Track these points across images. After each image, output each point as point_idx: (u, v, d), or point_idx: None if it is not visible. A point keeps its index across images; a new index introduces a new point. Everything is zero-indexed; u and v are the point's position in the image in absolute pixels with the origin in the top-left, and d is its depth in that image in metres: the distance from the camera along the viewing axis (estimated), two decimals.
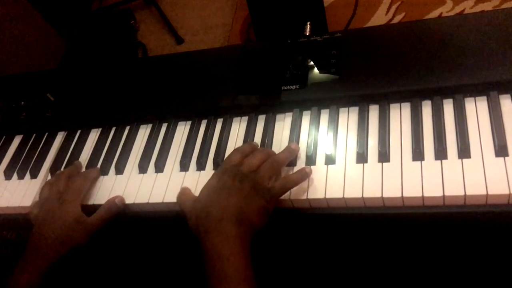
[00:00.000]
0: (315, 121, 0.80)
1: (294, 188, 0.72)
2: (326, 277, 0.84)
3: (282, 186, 0.71)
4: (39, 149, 0.95)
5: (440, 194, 0.65)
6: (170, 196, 0.79)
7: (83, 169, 0.88)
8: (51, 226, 0.77)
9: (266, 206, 0.69)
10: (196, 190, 0.77)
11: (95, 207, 0.81)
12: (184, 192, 0.76)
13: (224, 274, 0.63)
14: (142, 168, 0.85)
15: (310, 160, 0.75)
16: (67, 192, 0.80)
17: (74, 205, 0.79)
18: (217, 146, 0.83)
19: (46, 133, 0.98)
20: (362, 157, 0.72)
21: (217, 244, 0.65)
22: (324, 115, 0.81)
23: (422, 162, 0.69)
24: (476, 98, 0.74)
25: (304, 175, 0.72)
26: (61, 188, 0.81)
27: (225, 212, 0.67)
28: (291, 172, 0.75)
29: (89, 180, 0.84)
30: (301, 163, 0.76)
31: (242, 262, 0.64)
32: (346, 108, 0.80)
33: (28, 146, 0.97)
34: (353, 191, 0.69)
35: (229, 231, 0.66)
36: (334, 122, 0.79)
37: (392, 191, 0.67)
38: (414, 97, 0.76)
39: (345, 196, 0.69)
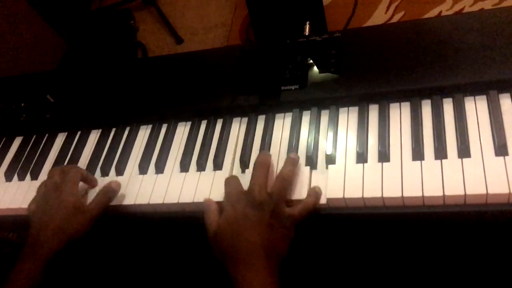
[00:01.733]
0: (315, 121, 0.80)
1: (294, 188, 0.73)
2: (326, 277, 0.84)
3: (301, 212, 0.70)
4: (39, 151, 0.95)
5: (440, 193, 0.65)
6: (171, 197, 0.79)
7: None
8: (51, 216, 0.76)
9: (289, 234, 0.69)
10: (197, 191, 0.77)
11: None
12: (211, 211, 0.73)
13: None
14: (143, 169, 0.85)
15: (310, 160, 0.75)
16: (63, 183, 0.79)
17: (72, 193, 0.78)
18: (217, 146, 0.83)
19: (46, 135, 0.98)
20: (362, 157, 0.72)
21: (247, 277, 0.65)
22: (324, 115, 0.81)
23: (422, 161, 0.69)
24: (476, 97, 0.74)
25: (319, 195, 0.71)
26: (57, 180, 0.80)
27: (254, 247, 0.67)
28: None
29: (83, 172, 0.83)
30: (301, 164, 0.76)
31: None
32: (346, 108, 0.80)
33: (29, 148, 0.97)
34: (353, 191, 0.69)
35: (259, 265, 0.65)
36: (334, 122, 0.79)
37: (392, 191, 0.67)
38: (413, 96, 0.76)
39: (345, 196, 0.69)
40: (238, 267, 0.66)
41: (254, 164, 0.74)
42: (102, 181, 0.86)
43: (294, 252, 0.86)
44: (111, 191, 0.80)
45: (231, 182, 0.74)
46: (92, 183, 0.85)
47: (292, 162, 0.74)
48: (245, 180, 0.74)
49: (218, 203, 0.74)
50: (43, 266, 0.72)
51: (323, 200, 0.71)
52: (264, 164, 0.74)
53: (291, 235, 0.69)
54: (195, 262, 0.70)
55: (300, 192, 0.72)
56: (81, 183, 0.82)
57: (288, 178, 0.72)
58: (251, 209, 0.69)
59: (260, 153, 0.77)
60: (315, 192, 0.71)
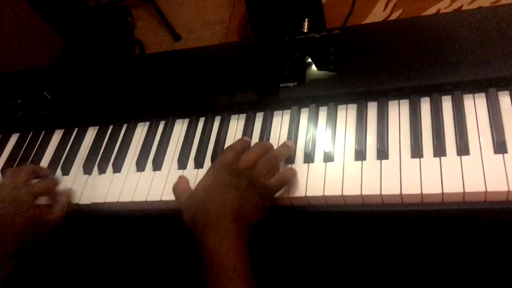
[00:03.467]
0: (313, 118, 0.80)
1: (293, 186, 0.72)
2: (324, 275, 0.84)
3: (278, 182, 0.71)
4: (36, 148, 0.95)
5: (439, 191, 0.65)
6: (168, 194, 0.78)
7: (80, 169, 0.87)
8: (9, 230, 0.72)
9: (263, 202, 0.70)
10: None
11: (92, 206, 0.81)
12: (180, 182, 0.76)
13: (222, 269, 0.64)
14: (140, 166, 0.84)
15: (308, 157, 0.75)
16: (16, 191, 0.75)
17: (27, 204, 0.74)
18: (215, 144, 0.83)
19: (43, 132, 0.97)
20: (360, 155, 0.72)
21: (215, 239, 0.66)
22: (322, 112, 0.80)
23: (421, 159, 0.69)
24: (475, 94, 0.73)
25: (295, 172, 0.73)
26: (8, 188, 0.76)
27: (223, 208, 0.67)
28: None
29: (33, 169, 0.81)
30: (299, 161, 0.76)
31: (240, 257, 0.65)
32: (345, 105, 0.80)
33: (25, 145, 0.96)
34: (351, 189, 0.69)
35: (227, 227, 0.66)
36: (332, 119, 0.78)
37: (390, 189, 0.67)
38: (412, 94, 0.76)
39: (344, 193, 0.69)
40: (206, 229, 0.67)
41: (255, 143, 0.76)
42: (99, 178, 0.85)
43: (292, 250, 0.86)
44: (70, 194, 0.78)
45: (226, 153, 0.74)
46: (42, 174, 0.83)
47: (286, 148, 0.75)
48: None
49: None
50: (6, 272, 0.71)
51: (321, 199, 0.71)
52: (263, 146, 0.75)
53: (265, 204, 0.70)
54: (193, 259, 0.69)
55: (298, 189, 0.72)
56: None
57: (275, 158, 0.73)
58: (229, 176, 0.70)
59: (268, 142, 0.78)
60: (294, 169, 0.73)
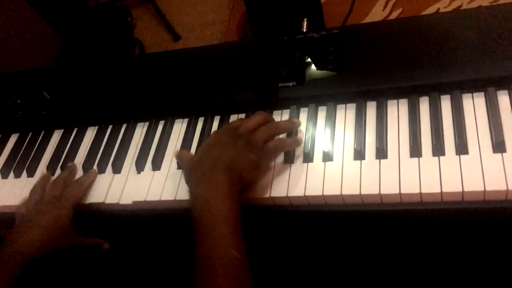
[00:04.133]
0: (313, 118, 0.80)
1: (292, 185, 0.72)
2: (324, 275, 0.84)
3: (275, 146, 0.73)
4: (35, 148, 0.95)
5: (438, 190, 0.65)
6: (168, 194, 0.78)
7: (79, 169, 0.88)
8: (38, 225, 0.76)
9: (258, 161, 0.71)
10: None
11: (92, 206, 0.81)
12: (182, 151, 0.80)
13: (211, 218, 0.65)
14: (139, 166, 0.84)
15: (308, 157, 0.75)
16: (62, 200, 0.80)
17: (68, 213, 0.79)
18: None
19: (43, 132, 0.97)
20: (359, 154, 0.72)
21: (206, 189, 0.67)
22: (322, 112, 0.80)
23: (420, 158, 0.69)
24: (474, 94, 0.73)
25: (298, 141, 0.75)
26: (58, 193, 0.81)
27: (217, 162, 0.69)
28: (288, 169, 0.74)
29: (85, 187, 0.83)
30: (298, 160, 0.76)
31: (229, 206, 0.66)
32: (344, 105, 0.80)
33: (25, 145, 0.96)
34: (350, 188, 0.69)
35: (219, 178, 0.68)
36: (331, 118, 0.78)
37: (389, 188, 0.67)
38: (411, 93, 0.76)
39: (343, 193, 0.69)
40: (199, 181, 0.69)
41: (258, 112, 0.77)
42: (98, 178, 0.85)
43: (290, 250, 0.86)
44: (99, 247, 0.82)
45: (234, 121, 0.78)
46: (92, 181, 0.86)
47: (290, 122, 0.78)
48: None
49: None
50: (17, 272, 0.72)
51: (320, 199, 0.71)
52: (264, 115, 0.76)
53: (260, 163, 0.71)
54: (193, 259, 0.69)
55: (297, 188, 0.72)
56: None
57: (276, 128, 0.75)
58: (228, 137, 0.72)
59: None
60: (296, 138, 0.75)
